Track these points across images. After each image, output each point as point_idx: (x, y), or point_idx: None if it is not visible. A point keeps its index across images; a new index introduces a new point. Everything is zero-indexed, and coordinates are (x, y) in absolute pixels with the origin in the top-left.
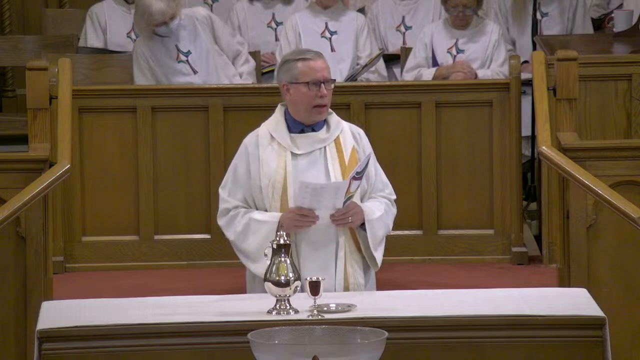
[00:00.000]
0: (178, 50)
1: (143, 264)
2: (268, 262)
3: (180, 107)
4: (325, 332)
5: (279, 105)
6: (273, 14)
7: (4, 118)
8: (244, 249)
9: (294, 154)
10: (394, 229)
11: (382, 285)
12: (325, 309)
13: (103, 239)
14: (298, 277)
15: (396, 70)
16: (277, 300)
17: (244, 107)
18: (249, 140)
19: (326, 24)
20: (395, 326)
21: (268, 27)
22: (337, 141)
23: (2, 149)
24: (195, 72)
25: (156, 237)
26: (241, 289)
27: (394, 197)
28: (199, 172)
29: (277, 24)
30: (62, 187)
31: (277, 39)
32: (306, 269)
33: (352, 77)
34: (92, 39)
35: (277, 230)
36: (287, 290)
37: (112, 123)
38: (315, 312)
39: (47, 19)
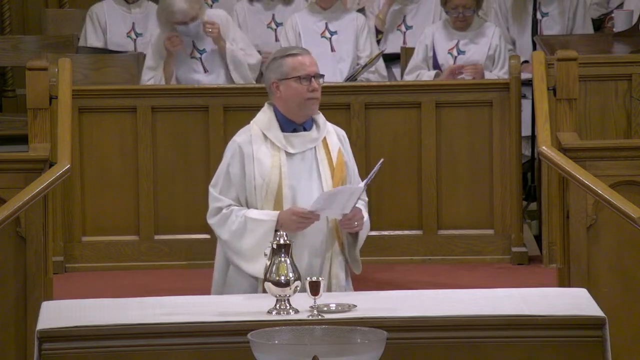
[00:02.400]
0: (194, 46)
1: (143, 264)
2: (268, 262)
3: (180, 107)
4: (325, 332)
5: (266, 104)
6: (273, 15)
7: (4, 118)
8: (239, 249)
9: (288, 154)
10: (394, 229)
11: (382, 285)
12: (325, 309)
13: (103, 239)
14: (298, 277)
15: (396, 71)
16: (277, 300)
17: (244, 107)
18: (241, 139)
19: (326, 24)
20: (395, 326)
21: (268, 27)
22: (324, 142)
23: (2, 149)
24: (206, 70)
25: (156, 237)
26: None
27: (366, 198)
28: (199, 172)
29: (277, 24)
30: (62, 187)
31: (277, 40)
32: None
33: (352, 77)
34: (92, 38)
35: (276, 229)
36: (287, 290)
37: (112, 123)
38: (315, 312)
39: (47, 19)
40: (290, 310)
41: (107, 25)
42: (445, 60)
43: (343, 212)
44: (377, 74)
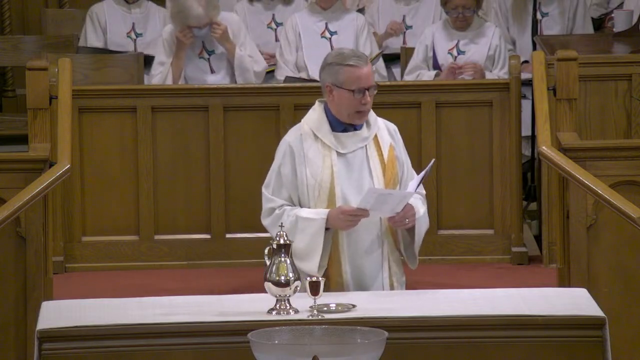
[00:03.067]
0: (203, 46)
1: (143, 264)
2: (268, 262)
3: (180, 107)
4: (325, 332)
5: (317, 102)
6: (273, 15)
7: (4, 118)
8: (292, 248)
9: (339, 153)
10: None
11: None
12: (325, 309)
13: (103, 239)
14: (298, 277)
15: (396, 71)
16: (277, 300)
17: (244, 107)
18: (292, 139)
19: (326, 24)
20: (395, 326)
21: (268, 27)
22: (375, 139)
23: (2, 149)
24: (212, 71)
25: (156, 237)
26: (240, 289)
27: (424, 192)
28: (199, 172)
29: (277, 24)
30: (62, 187)
31: (277, 40)
32: (355, 267)
33: None
34: (92, 38)
35: (326, 227)
36: (287, 290)
37: (112, 123)
38: (315, 312)
39: (47, 19)
40: (290, 310)
41: (107, 25)
42: (445, 60)
43: (392, 213)
44: (377, 74)
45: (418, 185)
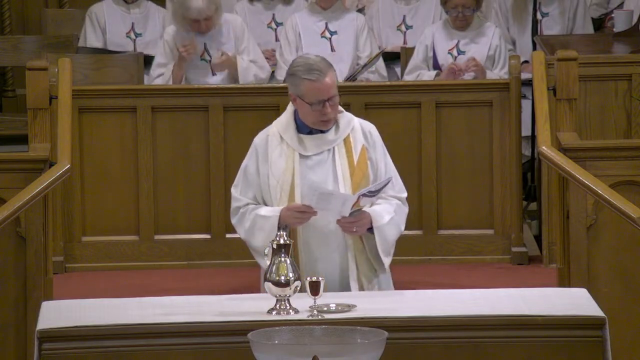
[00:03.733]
0: (205, 49)
1: (143, 264)
2: (268, 262)
3: (180, 107)
4: (325, 332)
5: (290, 104)
6: (273, 15)
7: (4, 118)
8: (253, 246)
9: (302, 155)
10: None
11: None
12: (325, 309)
13: (103, 239)
14: (298, 277)
15: (396, 70)
16: (277, 300)
17: (244, 107)
18: (258, 140)
19: (326, 24)
20: (395, 326)
21: (268, 27)
22: (346, 140)
23: (2, 149)
24: (214, 74)
25: (156, 237)
26: (240, 289)
27: (405, 194)
28: (199, 172)
29: (277, 24)
30: (62, 187)
31: (277, 39)
32: (321, 270)
33: (352, 77)
34: (91, 39)
35: (279, 225)
36: (287, 290)
37: (112, 123)
38: (315, 312)
39: (47, 19)
40: (290, 310)
41: (107, 26)
42: (445, 60)
43: (339, 215)
44: (377, 74)
45: (361, 194)
